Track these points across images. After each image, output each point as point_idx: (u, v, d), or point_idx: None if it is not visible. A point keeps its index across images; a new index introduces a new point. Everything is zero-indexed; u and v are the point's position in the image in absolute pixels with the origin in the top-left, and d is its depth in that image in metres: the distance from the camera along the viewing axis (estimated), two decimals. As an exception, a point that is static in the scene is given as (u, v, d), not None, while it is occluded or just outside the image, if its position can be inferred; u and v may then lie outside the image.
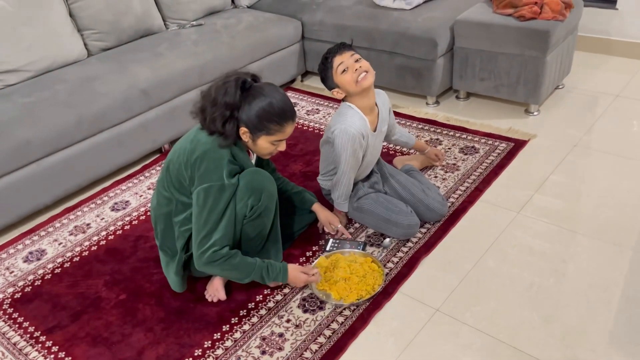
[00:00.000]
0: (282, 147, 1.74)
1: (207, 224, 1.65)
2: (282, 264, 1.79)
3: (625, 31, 3.31)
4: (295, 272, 1.79)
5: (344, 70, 1.88)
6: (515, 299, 1.77)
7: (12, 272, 2.12)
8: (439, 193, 2.14)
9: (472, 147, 2.61)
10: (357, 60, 1.90)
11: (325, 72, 1.93)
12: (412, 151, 2.56)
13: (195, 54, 2.83)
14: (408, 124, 2.84)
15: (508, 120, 2.81)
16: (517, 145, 2.58)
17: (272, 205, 1.78)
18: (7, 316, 1.91)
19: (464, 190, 2.30)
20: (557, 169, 2.40)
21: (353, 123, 1.90)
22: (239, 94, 1.63)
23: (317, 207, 2.08)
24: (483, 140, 2.65)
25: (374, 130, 2.02)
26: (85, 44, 2.83)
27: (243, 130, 1.66)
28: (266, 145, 1.69)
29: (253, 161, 1.84)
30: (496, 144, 2.61)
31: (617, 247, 1.94)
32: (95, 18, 2.82)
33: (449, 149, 2.60)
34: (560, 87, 3.07)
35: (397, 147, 2.64)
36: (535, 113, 2.84)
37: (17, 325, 1.87)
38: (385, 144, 2.60)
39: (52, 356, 1.73)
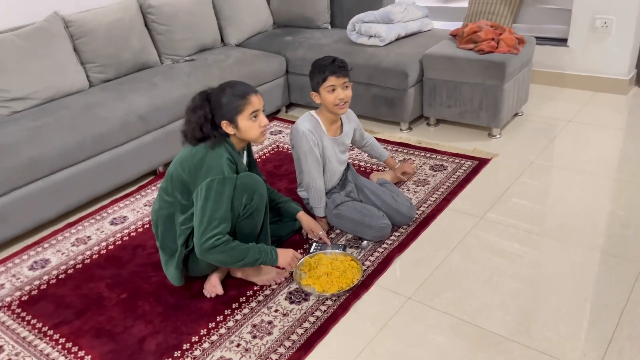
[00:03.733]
0: (263, 120, 1.95)
1: (211, 214, 1.84)
2: (272, 247, 2.01)
3: (576, 65, 3.69)
4: (282, 250, 2.02)
5: (331, 91, 2.17)
6: (477, 288, 2.00)
7: (19, 278, 2.28)
8: (407, 199, 2.39)
9: (441, 165, 2.88)
10: (345, 88, 2.20)
11: (315, 80, 2.19)
12: (386, 168, 2.82)
13: (188, 84, 3.11)
14: (384, 146, 3.11)
15: (473, 142, 3.11)
16: (481, 163, 2.87)
17: (263, 206, 2.01)
18: (15, 315, 2.07)
19: (434, 201, 2.56)
20: (516, 181, 2.68)
21: (302, 122, 2.25)
22: (206, 102, 1.92)
23: (301, 215, 2.31)
24: (451, 159, 2.93)
25: (336, 137, 2.31)
26: (87, 76, 3.09)
27: (225, 124, 1.91)
28: (248, 123, 1.91)
29: (244, 161, 2.07)
30: (462, 162, 2.90)
31: (564, 244, 2.20)
32: (97, 52, 3.09)
33: (420, 167, 2.88)
34: (519, 114, 3.40)
35: (374, 165, 2.91)
36: (498, 136, 3.15)
37: (25, 323, 2.02)
38: (363, 162, 2.87)
39: (60, 347, 1.89)
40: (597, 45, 3.56)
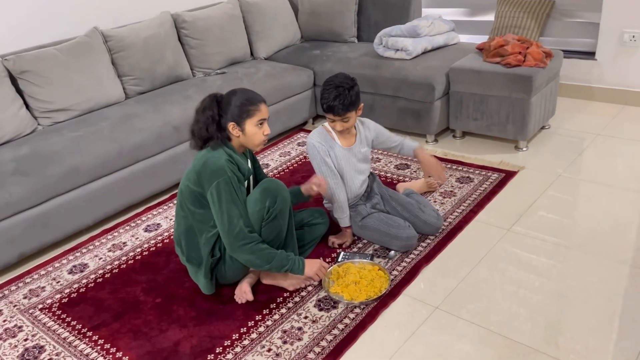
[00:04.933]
0: (267, 129, 2.05)
1: (229, 213, 1.92)
2: (299, 257, 2.07)
3: (604, 79, 3.68)
4: (309, 260, 2.08)
5: (332, 121, 2.28)
6: (505, 299, 2.02)
7: (59, 282, 2.38)
8: (435, 209, 2.43)
9: (468, 177, 2.91)
10: (343, 121, 2.24)
11: (323, 108, 2.26)
12: (409, 179, 2.83)
13: (220, 97, 3.20)
14: (410, 159, 3.16)
15: (500, 155, 3.13)
16: (508, 175, 2.89)
17: (286, 209, 2.07)
18: (56, 317, 2.16)
19: (460, 213, 2.59)
20: (543, 194, 2.69)
21: (312, 135, 2.33)
22: (215, 104, 2.01)
23: (304, 187, 2.30)
24: (477, 172, 2.96)
25: (349, 146, 2.35)
26: (124, 88, 3.22)
27: (231, 125, 1.99)
28: (254, 129, 2.00)
29: (249, 165, 2.14)
30: (489, 174, 2.92)
31: (592, 257, 2.20)
32: (133, 66, 3.22)
33: (447, 179, 2.91)
34: (546, 127, 3.41)
35: (400, 177, 2.95)
36: (524, 149, 3.17)
37: (65, 324, 2.11)
38: (389, 174, 2.92)
39: (99, 347, 1.98)
40: (626, 59, 3.56)
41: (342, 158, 2.35)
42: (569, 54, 3.72)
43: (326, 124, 2.37)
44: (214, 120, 2.00)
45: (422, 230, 2.36)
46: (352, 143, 2.39)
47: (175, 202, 2.95)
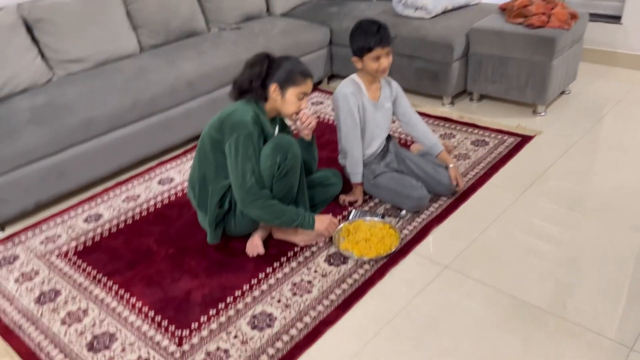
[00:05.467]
0: (305, 104, 2.06)
1: (243, 168, 1.94)
2: (310, 212, 2.09)
3: (629, 44, 3.57)
4: (320, 216, 2.09)
5: (376, 60, 2.20)
6: (515, 261, 2.02)
7: (74, 230, 2.43)
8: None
9: (483, 140, 2.88)
10: (387, 55, 2.22)
11: (359, 45, 2.21)
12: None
13: (235, 52, 3.17)
14: (424, 120, 3.11)
15: (517, 119, 3.08)
16: (524, 139, 2.85)
17: (297, 165, 2.06)
18: (72, 263, 2.21)
19: (474, 175, 2.57)
20: (559, 159, 2.65)
21: (345, 86, 2.29)
22: (267, 63, 2.01)
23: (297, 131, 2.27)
24: (493, 135, 2.92)
25: (376, 101, 2.33)
26: (138, 40, 3.19)
27: (273, 87, 1.99)
28: (293, 99, 2.01)
29: (276, 132, 2.14)
30: (505, 138, 2.88)
31: (606, 223, 2.19)
32: (148, 18, 3.18)
33: (462, 141, 2.88)
34: (566, 92, 3.34)
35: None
36: (542, 114, 3.11)
37: (81, 270, 2.16)
38: (404, 135, 2.90)
39: (113, 293, 2.02)
40: (654, 24, 3.44)
41: (369, 111, 2.33)
42: (594, 17, 3.60)
43: (354, 76, 2.33)
44: (260, 76, 2.00)
45: (435, 190, 2.36)
46: (377, 97, 2.36)
47: (189, 156, 2.97)
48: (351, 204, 2.40)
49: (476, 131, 2.97)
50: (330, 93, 3.62)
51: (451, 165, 2.38)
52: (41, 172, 2.47)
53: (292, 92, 2.02)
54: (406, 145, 2.84)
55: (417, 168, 2.38)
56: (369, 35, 2.19)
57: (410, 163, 2.42)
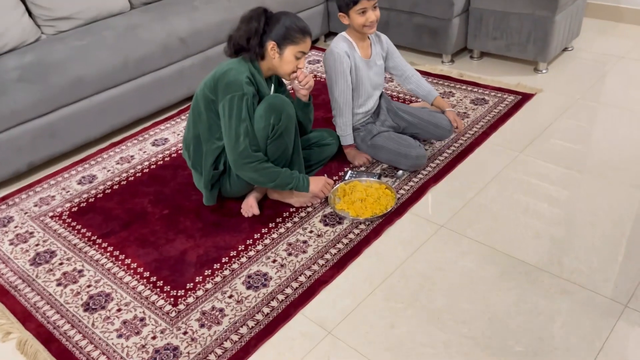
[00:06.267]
0: (302, 63, 2.00)
1: (236, 129, 1.90)
2: (304, 174, 2.06)
3: (635, -1, 3.47)
4: (314, 178, 2.07)
5: (362, 13, 2.13)
6: (511, 220, 2.01)
7: (68, 191, 2.41)
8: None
9: (482, 99, 2.82)
10: (374, 8, 2.15)
11: (345, 1, 2.13)
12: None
13: (229, 8, 3.07)
14: (423, 78, 3.05)
15: (517, 77, 3.01)
16: (525, 97, 2.79)
17: (292, 126, 2.02)
18: (66, 224, 2.20)
19: (473, 134, 2.53)
20: (559, 117, 2.61)
21: (337, 44, 2.22)
22: (264, 19, 1.93)
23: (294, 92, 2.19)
24: (493, 94, 2.86)
25: (368, 58, 2.27)
26: (128, -3, 3.09)
27: (271, 45, 1.93)
28: (291, 57, 1.95)
29: (271, 91, 2.09)
30: (505, 96, 2.82)
31: (605, 181, 2.16)
32: (138, -27, 3.07)
33: (461, 100, 2.82)
34: (569, 49, 3.26)
35: (413, 97, 2.86)
36: (544, 71, 3.04)
37: (75, 231, 2.15)
38: (402, 94, 2.84)
39: (108, 254, 2.02)
40: (661, -23, 3.33)
41: (361, 69, 2.27)
42: (601, -30, 3.48)
43: (345, 34, 2.26)
44: (258, 33, 1.92)
45: (435, 135, 2.36)
46: (369, 55, 2.30)
47: (183, 117, 2.92)
48: (360, 166, 2.37)
49: (476, 89, 2.92)
50: (327, 51, 3.54)
51: (448, 109, 2.39)
52: (33, 133, 2.43)
53: (290, 51, 1.95)
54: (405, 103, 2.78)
55: (413, 117, 2.36)
56: None
57: (404, 114, 2.39)
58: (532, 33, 2.92)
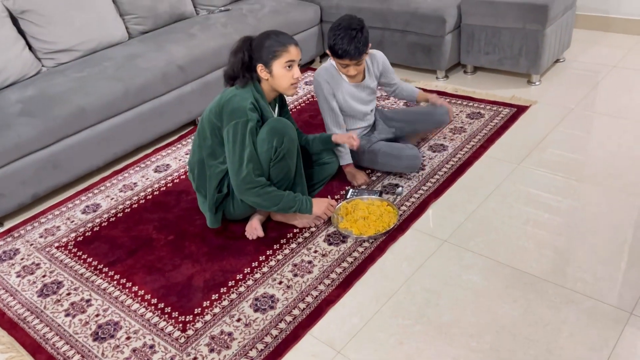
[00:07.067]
0: (297, 71, 2.00)
1: (240, 155, 1.93)
2: (307, 197, 2.08)
3: (622, 9, 3.53)
4: (317, 199, 2.09)
5: (344, 66, 2.25)
6: (513, 232, 2.03)
7: (73, 221, 2.43)
8: None
9: (478, 112, 2.86)
10: (357, 64, 2.22)
11: (330, 46, 2.21)
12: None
13: (225, 34, 3.13)
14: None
15: (511, 90, 3.06)
16: (520, 110, 2.83)
17: (294, 149, 2.05)
18: (72, 254, 2.22)
19: (470, 148, 2.56)
20: (555, 128, 2.64)
21: (321, 73, 2.31)
22: (248, 46, 1.98)
23: (335, 136, 2.27)
24: (488, 107, 2.90)
25: (360, 81, 2.35)
26: (126, 27, 3.15)
27: (260, 67, 1.97)
28: (282, 71, 1.96)
29: (275, 115, 2.12)
30: (500, 109, 2.87)
31: (603, 189, 2.19)
32: (135, 4, 3.13)
33: (457, 114, 2.86)
34: (561, 60, 3.31)
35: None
36: (537, 83, 3.09)
37: (82, 261, 2.17)
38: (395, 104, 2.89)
39: (115, 282, 2.03)
40: (647, -14, 3.40)
41: (349, 95, 2.34)
42: (587, -18, 3.56)
43: (332, 60, 2.32)
44: (244, 62, 1.97)
45: (432, 123, 2.49)
46: (360, 79, 2.35)
47: (184, 142, 2.96)
48: (360, 185, 2.40)
49: (471, 104, 2.96)
50: (323, 72, 3.59)
51: (431, 97, 2.53)
52: (36, 165, 2.46)
53: (277, 66, 1.97)
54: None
55: (407, 115, 2.50)
56: (338, 46, 2.16)
57: (398, 116, 2.51)
58: (524, 46, 2.98)
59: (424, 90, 2.77)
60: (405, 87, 2.56)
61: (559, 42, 3.13)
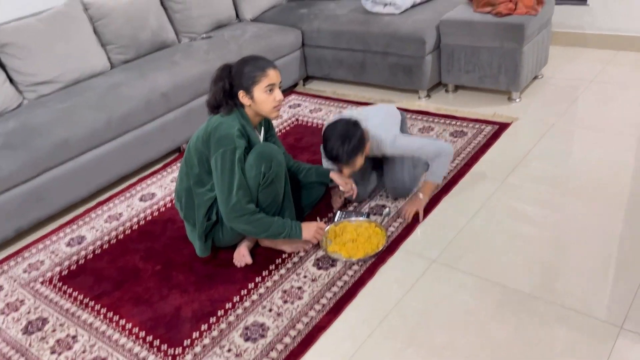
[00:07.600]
0: (278, 94, 2.00)
1: (229, 183, 1.92)
2: (296, 221, 2.07)
3: (597, 24, 3.62)
4: (306, 224, 2.08)
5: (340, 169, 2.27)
6: (501, 249, 2.04)
7: (57, 254, 2.38)
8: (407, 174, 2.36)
9: (461, 131, 2.89)
10: (350, 166, 2.22)
11: (325, 154, 2.22)
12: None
13: (207, 61, 3.14)
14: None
15: (493, 107, 3.10)
16: (502, 127, 2.87)
17: (282, 173, 2.05)
18: (57, 289, 2.17)
19: (455, 167, 2.58)
20: (537, 144, 2.68)
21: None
22: (227, 74, 1.99)
23: (334, 174, 2.28)
24: (471, 125, 2.94)
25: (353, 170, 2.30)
26: (108, 57, 3.15)
27: (241, 94, 1.97)
28: (263, 95, 1.96)
29: (261, 139, 2.12)
30: (482, 127, 2.90)
31: (587, 203, 2.22)
32: (116, 33, 3.14)
33: (440, 133, 2.89)
34: (539, 77, 3.37)
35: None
36: (517, 100, 3.14)
37: (67, 296, 2.13)
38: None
39: (102, 316, 1.99)
40: (617, 3, 3.49)
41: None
42: (561, 0, 3.64)
43: None
44: (225, 90, 1.98)
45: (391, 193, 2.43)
46: (357, 167, 2.25)
47: (169, 170, 2.94)
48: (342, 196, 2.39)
49: (454, 122, 2.99)
50: (307, 94, 3.62)
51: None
52: (19, 198, 2.43)
53: (258, 91, 1.97)
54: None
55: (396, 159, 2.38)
56: (328, 151, 2.17)
57: (385, 159, 2.43)
58: (503, 64, 3.03)
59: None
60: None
61: (537, 60, 3.19)
